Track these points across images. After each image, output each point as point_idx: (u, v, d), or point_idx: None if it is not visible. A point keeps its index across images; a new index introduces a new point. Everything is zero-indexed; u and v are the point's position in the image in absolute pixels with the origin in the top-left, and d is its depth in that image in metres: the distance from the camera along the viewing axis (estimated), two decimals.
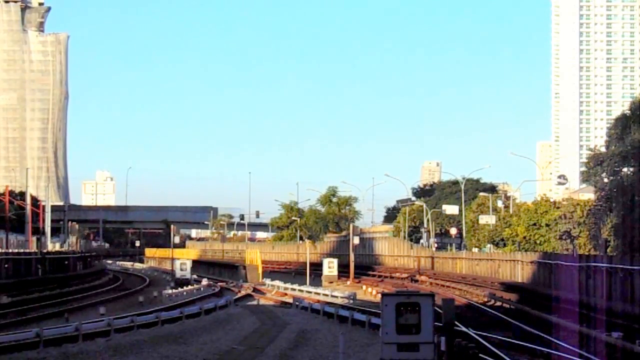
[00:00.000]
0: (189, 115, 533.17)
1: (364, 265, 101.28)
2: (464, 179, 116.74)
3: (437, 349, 20.47)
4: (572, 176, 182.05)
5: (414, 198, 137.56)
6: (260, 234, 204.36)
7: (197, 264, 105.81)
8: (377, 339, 25.73)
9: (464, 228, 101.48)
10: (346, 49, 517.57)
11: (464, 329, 33.53)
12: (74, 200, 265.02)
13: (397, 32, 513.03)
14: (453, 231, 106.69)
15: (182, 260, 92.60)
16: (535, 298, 48.41)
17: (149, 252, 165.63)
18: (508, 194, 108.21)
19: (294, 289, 67.96)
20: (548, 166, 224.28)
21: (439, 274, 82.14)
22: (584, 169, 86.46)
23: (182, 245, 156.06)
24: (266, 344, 32.76)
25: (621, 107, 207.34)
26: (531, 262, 58.72)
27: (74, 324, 36.16)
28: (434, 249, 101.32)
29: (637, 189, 62.41)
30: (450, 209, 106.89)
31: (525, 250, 75.28)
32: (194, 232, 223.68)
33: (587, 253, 62.45)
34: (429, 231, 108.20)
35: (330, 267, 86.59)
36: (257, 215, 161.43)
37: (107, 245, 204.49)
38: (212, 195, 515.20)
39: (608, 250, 65.31)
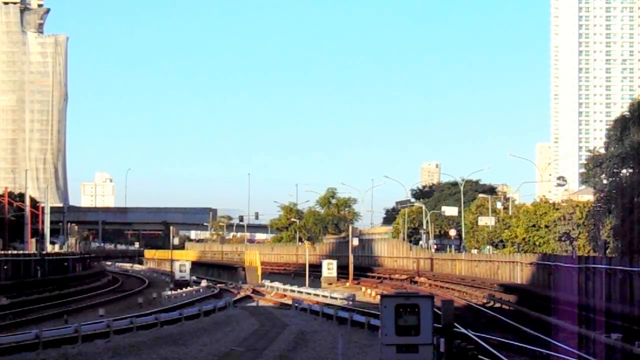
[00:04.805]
0: (188, 116, 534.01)
1: (363, 267, 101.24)
2: (463, 180, 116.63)
3: (436, 351, 20.48)
4: (572, 177, 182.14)
5: (413, 199, 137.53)
6: (260, 236, 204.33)
7: (196, 266, 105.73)
8: (376, 340, 25.76)
9: (463, 229, 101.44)
10: (345, 50, 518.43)
11: (463, 330, 33.53)
12: (73, 201, 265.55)
13: (396, 34, 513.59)
14: (452, 233, 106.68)
15: (182, 262, 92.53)
16: (535, 299, 48.36)
17: (148, 253, 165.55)
18: (507, 196, 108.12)
19: (293, 291, 67.93)
20: (547, 167, 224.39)
21: (438, 275, 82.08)
22: (583, 170, 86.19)
23: (181, 246, 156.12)
24: (265, 346, 32.76)
25: (620, 108, 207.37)
26: (530, 264, 58.67)
27: (73, 325, 36.12)
28: (433, 250, 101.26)
29: (636, 191, 62.36)
30: (450, 211, 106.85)
31: (525, 252, 75.22)
32: (193, 234, 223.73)
33: (586, 254, 62.38)
34: (428, 233, 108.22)
35: (329, 268, 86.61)
36: (257, 217, 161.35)
37: (106, 246, 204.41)
38: (211, 197, 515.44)
39: (607, 251, 65.20)
